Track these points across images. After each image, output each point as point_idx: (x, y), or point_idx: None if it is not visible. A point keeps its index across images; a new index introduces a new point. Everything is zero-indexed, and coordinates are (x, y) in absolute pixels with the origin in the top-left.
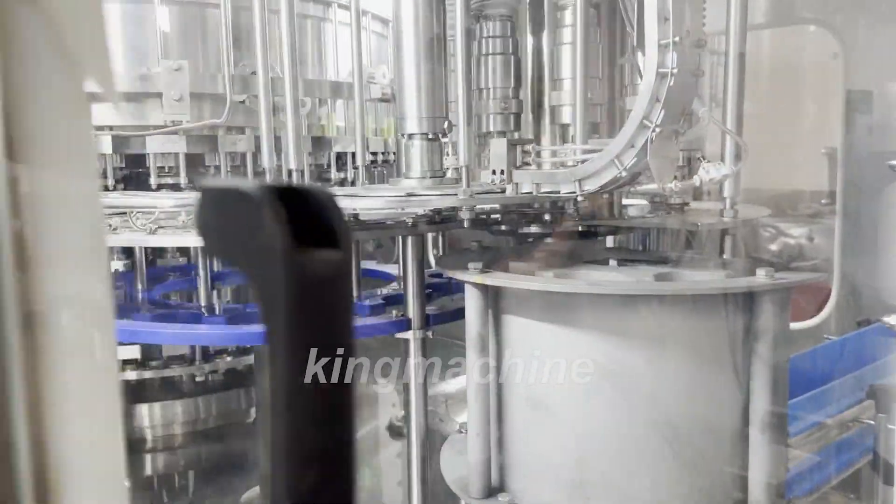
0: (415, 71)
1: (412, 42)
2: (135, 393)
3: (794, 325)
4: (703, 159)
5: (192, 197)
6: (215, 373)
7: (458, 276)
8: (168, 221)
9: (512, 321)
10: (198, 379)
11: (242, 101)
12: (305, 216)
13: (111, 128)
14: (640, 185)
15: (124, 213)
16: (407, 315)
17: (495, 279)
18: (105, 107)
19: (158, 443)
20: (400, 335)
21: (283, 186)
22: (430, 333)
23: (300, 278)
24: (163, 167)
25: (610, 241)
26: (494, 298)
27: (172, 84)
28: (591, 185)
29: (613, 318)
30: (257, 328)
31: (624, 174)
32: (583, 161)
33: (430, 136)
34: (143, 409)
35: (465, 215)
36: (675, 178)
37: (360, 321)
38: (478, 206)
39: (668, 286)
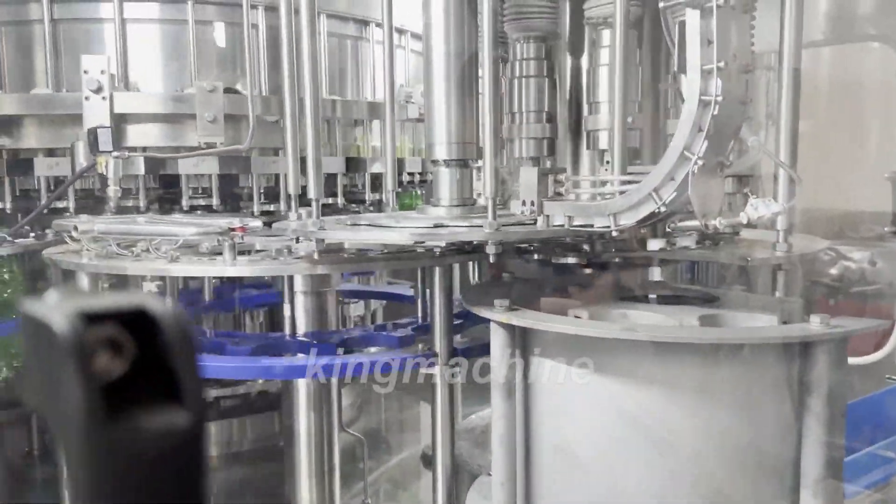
0: (444, 95)
1: (442, 65)
2: None
3: (851, 361)
4: (752, 194)
5: (215, 225)
6: (248, 395)
7: (483, 313)
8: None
9: (541, 364)
10: (230, 402)
11: (276, 121)
12: (149, 355)
13: (145, 149)
14: (682, 222)
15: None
16: (433, 349)
17: (523, 319)
18: (141, 128)
19: None
20: (426, 370)
21: (125, 311)
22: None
23: (108, 455)
24: (196, 188)
25: (656, 271)
26: (523, 338)
27: (207, 105)
28: (626, 220)
29: (652, 365)
30: None
31: (663, 209)
32: (620, 192)
33: (460, 163)
34: None
35: (490, 250)
36: (720, 215)
37: (379, 355)
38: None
39: (711, 333)
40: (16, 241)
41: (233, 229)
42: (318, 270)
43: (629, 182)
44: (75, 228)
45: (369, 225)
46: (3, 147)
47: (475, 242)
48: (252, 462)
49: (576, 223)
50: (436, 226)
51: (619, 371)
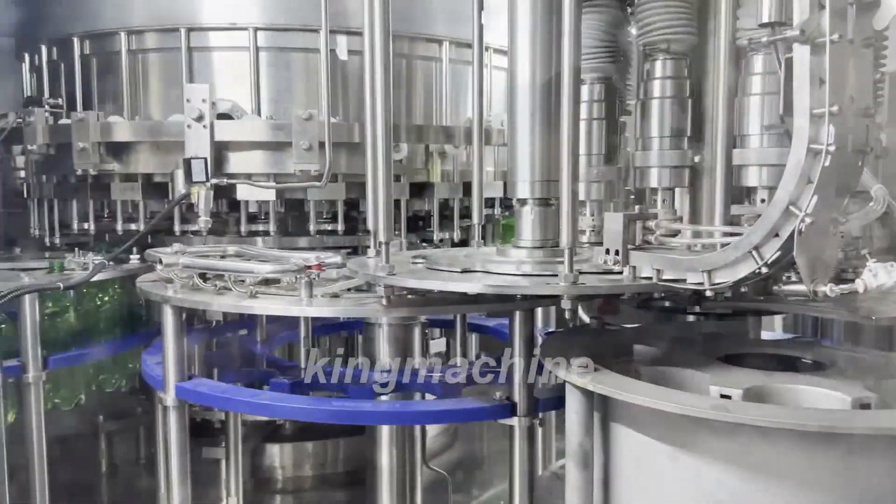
0: (528, 129)
1: (527, 97)
2: (266, 432)
3: None
4: (870, 257)
5: (292, 263)
6: None
7: (559, 372)
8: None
9: (623, 434)
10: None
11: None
12: None
13: (249, 176)
14: (787, 286)
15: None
16: (512, 398)
17: (601, 384)
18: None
19: (288, 484)
20: (503, 421)
21: None
22: (538, 421)
23: None
24: (256, 213)
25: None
26: (604, 403)
27: (302, 133)
28: (722, 279)
29: (755, 450)
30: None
31: (764, 270)
32: (723, 245)
33: (544, 202)
34: (275, 450)
35: (565, 305)
36: (832, 280)
37: (451, 403)
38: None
39: (840, 419)
40: (119, 265)
41: (308, 267)
42: (392, 314)
43: (732, 234)
44: (160, 261)
45: (445, 270)
46: (112, 171)
47: None
48: (346, 485)
49: (665, 277)
50: (519, 271)
51: (717, 453)
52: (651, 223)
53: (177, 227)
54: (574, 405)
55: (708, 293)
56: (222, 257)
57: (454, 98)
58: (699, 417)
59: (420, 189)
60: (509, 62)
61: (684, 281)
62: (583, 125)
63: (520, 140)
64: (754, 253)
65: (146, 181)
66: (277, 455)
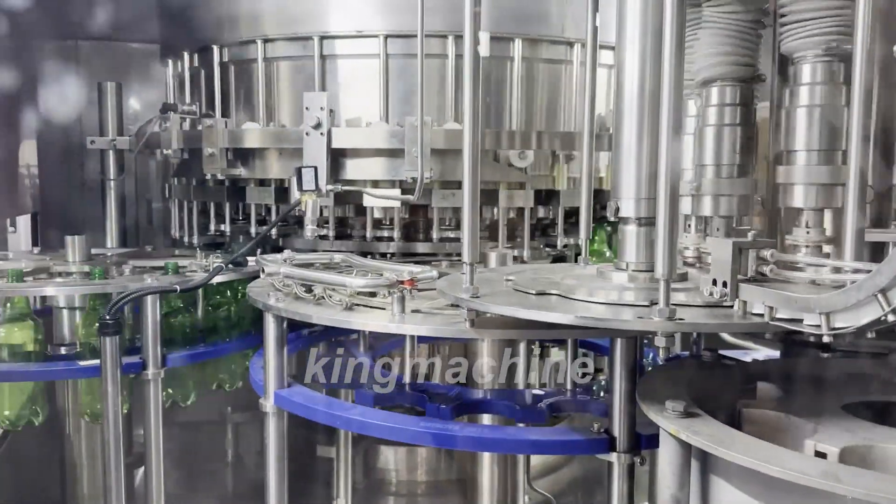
0: (635, 143)
1: (634, 109)
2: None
3: None
4: None
5: (385, 277)
6: None
7: (652, 415)
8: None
9: (724, 489)
10: None
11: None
12: None
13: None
14: None
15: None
16: (611, 432)
17: (696, 435)
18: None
19: (401, 488)
20: (601, 457)
21: None
22: (639, 460)
23: None
24: (381, 220)
25: None
26: (703, 451)
27: (415, 140)
28: (843, 323)
29: None
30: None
31: (892, 317)
32: (851, 282)
33: (650, 222)
34: (389, 453)
35: (659, 343)
36: None
37: (542, 433)
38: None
39: None
40: (238, 268)
41: (401, 282)
42: (483, 336)
43: (859, 270)
44: (262, 270)
45: (537, 293)
46: (238, 175)
47: None
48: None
49: (779, 316)
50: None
51: None
52: (766, 253)
53: (307, 232)
54: (668, 453)
55: (826, 339)
56: (327, 266)
57: (581, 101)
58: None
59: (546, 196)
60: (616, 69)
61: (801, 322)
62: (711, 132)
63: (624, 154)
64: (880, 297)
65: (279, 185)
66: (391, 458)
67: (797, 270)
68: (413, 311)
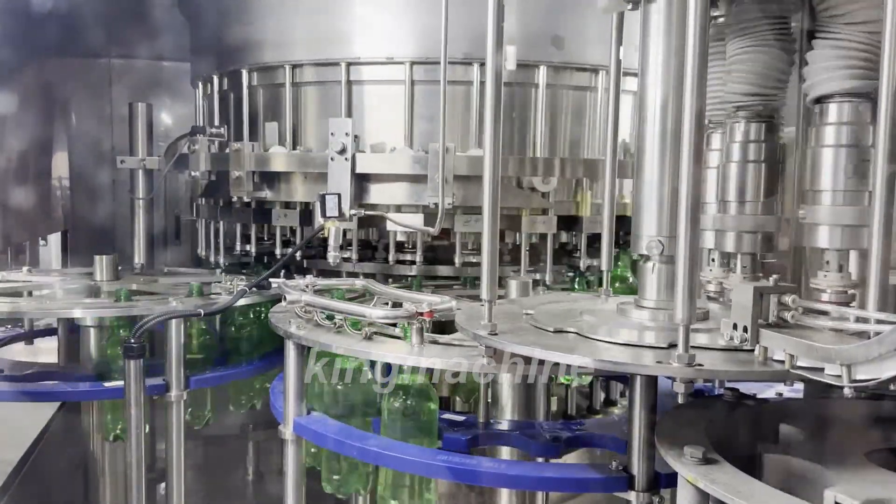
0: (657, 175)
1: (656, 140)
2: None
3: None
4: None
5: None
6: None
7: (671, 461)
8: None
9: None
10: None
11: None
12: None
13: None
14: None
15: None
16: (629, 470)
17: (714, 483)
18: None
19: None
20: (620, 495)
21: None
22: (657, 499)
23: None
24: (403, 242)
25: None
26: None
27: (437, 166)
28: (865, 375)
29: None
30: None
31: None
32: (875, 333)
33: (671, 260)
34: None
35: (678, 389)
36: None
37: (558, 469)
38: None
39: None
40: (261, 291)
41: (420, 313)
42: (500, 371)
43: (884, 322)
44: (284, 298)
45: (555, 331)
46: (264, 198)
47: None
48: None
49: (800, 364)
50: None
51: None
52: (788, 298)
53: (331, 258)
54: (687, 500)
55: (847, 391)
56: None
57: (605, 128)
58: None
59: (570, 222)
60: (639, 104)
61: (821, 371)
62: (734, 168)
63: (646, 191)
64: None
65: (304, 208)
66: None
67: (821, 314)
68: (431, 343)
